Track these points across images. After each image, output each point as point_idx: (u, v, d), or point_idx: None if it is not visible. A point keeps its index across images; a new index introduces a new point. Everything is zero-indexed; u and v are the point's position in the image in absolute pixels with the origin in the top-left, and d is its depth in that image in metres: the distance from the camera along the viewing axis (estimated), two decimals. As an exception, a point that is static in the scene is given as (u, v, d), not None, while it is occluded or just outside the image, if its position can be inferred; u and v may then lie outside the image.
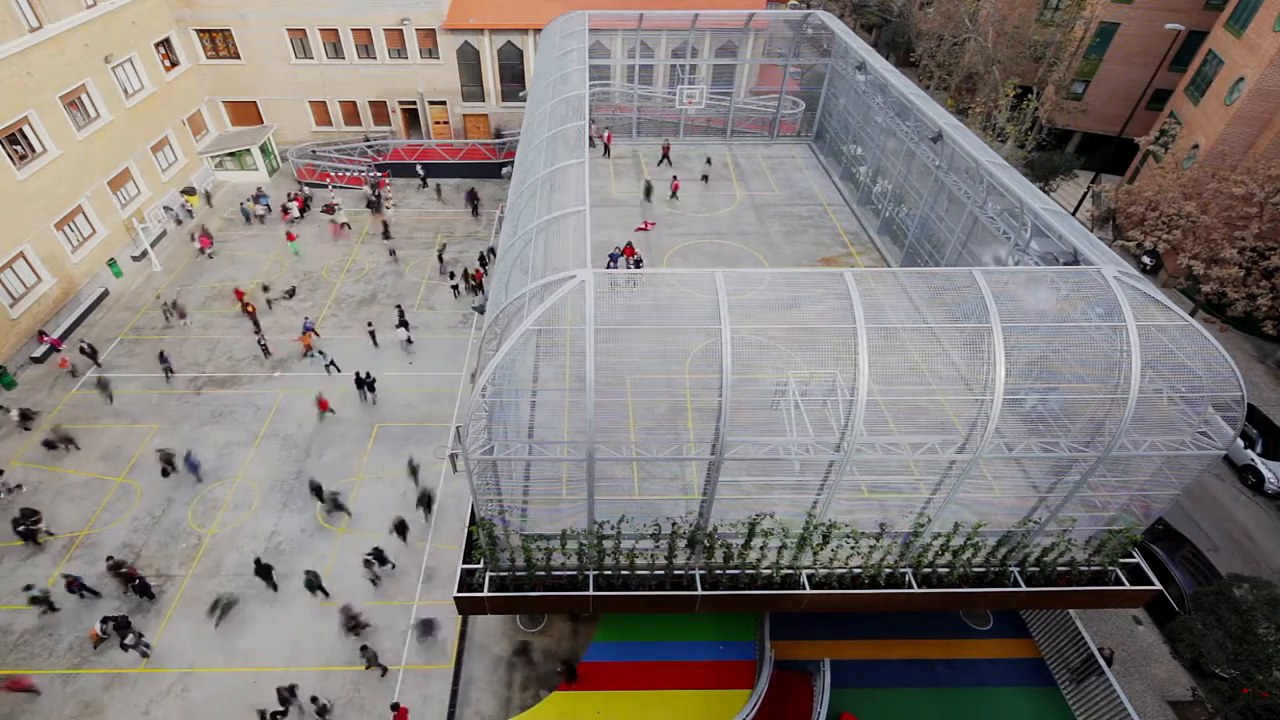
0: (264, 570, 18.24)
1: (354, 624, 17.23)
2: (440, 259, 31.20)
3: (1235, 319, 27.91)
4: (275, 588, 18.50)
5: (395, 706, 15.61)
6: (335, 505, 20.26)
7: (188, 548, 19.50)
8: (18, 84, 26.16)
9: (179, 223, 34.36)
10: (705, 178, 29.20)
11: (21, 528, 19.05)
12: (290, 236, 32.56)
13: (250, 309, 26.74)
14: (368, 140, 40.16)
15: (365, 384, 24.03)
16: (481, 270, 30.46)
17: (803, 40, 31.61)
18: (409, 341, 26.67)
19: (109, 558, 18.57)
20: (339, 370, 25.32)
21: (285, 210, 34.44)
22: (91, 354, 25.19)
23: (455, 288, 29.58)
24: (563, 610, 17.55)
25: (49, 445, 21.85)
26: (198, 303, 28.99)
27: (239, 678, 16.60)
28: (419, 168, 38.20)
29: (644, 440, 12.68)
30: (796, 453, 11.78)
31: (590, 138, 31.31)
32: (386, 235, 33.19)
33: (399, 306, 27.71)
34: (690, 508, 13.65)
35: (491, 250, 31.63)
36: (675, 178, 28.48)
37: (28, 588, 17.73)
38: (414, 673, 16.98)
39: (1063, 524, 13.31)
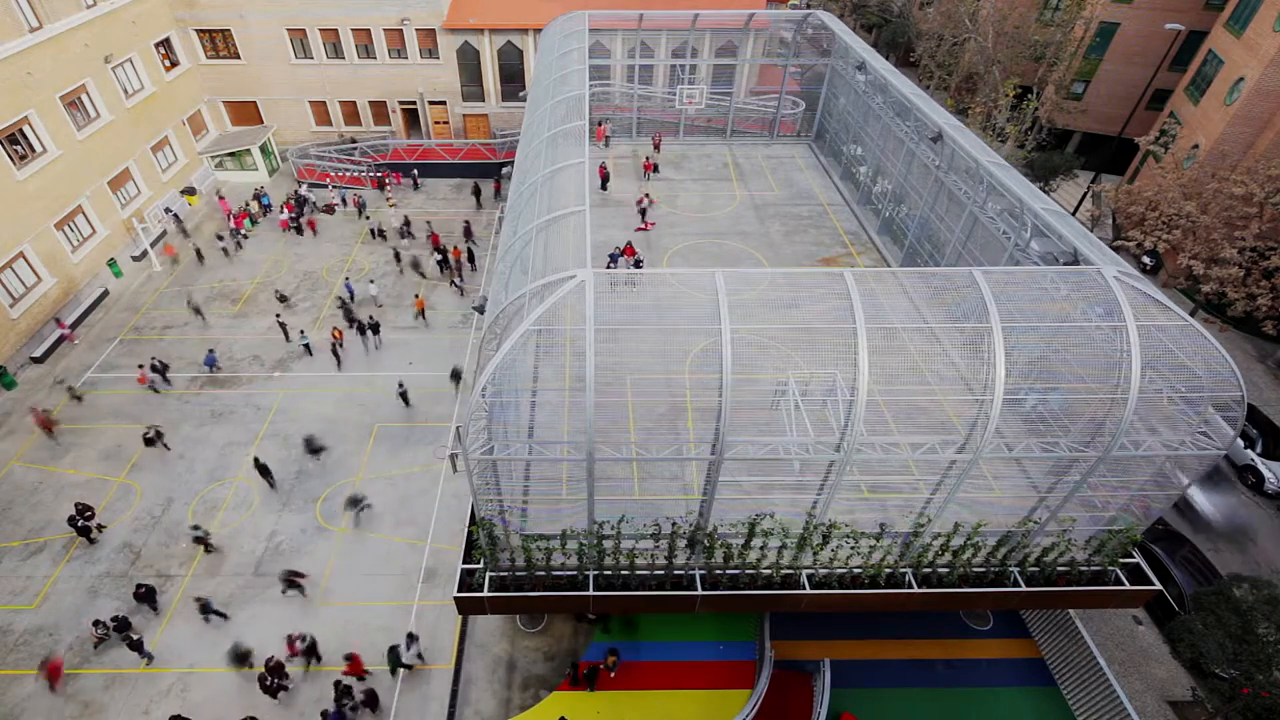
0: (263, 469, 20.54)
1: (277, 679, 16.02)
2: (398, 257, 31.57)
3: (1235, 319, 27.90)
4: (274, 487, 20.98)
5: (349, 657, 16.30)
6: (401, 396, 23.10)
7: (188, 547, 19.49)
8: (18, 84, 26.15)
9: (178, 223, 34.37)
10: (656, 167, 30.27)
11: (79, 523, 19.06)
12: (243, 214, 34.13)
13: (337, 334, 26.02)
14: (354, 141, 39.76)
15: (370, 328, 26.27)
16: (459, 248, 31.13)
17: (803, 40, 31.64)
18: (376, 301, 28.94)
19: (287, 572, 18.31)
20: (311, 354, 26.07)
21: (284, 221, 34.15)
22: (162, 370, 24.39)
23: (440, 263, 31.10)
24: (563, 610, 17.55)
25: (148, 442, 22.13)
26: (198, 302, 28.95)
27: (239, 677, 16.59)
28: (415, 170, 38.32)
29: (644, 440, 12.69)
30: (796, 453, 11.78)
31: (606, 139, 31.70)
32: (297, 228, 33.87)
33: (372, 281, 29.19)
34: (690, 508, 13.66)
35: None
36: (648, 159, 30.26)
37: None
38: (414, 673, 16.98)
39: (1063, 524, 13.32)
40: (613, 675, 16.46)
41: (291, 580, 18.12)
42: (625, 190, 28.57)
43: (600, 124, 32.26)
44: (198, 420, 23.38)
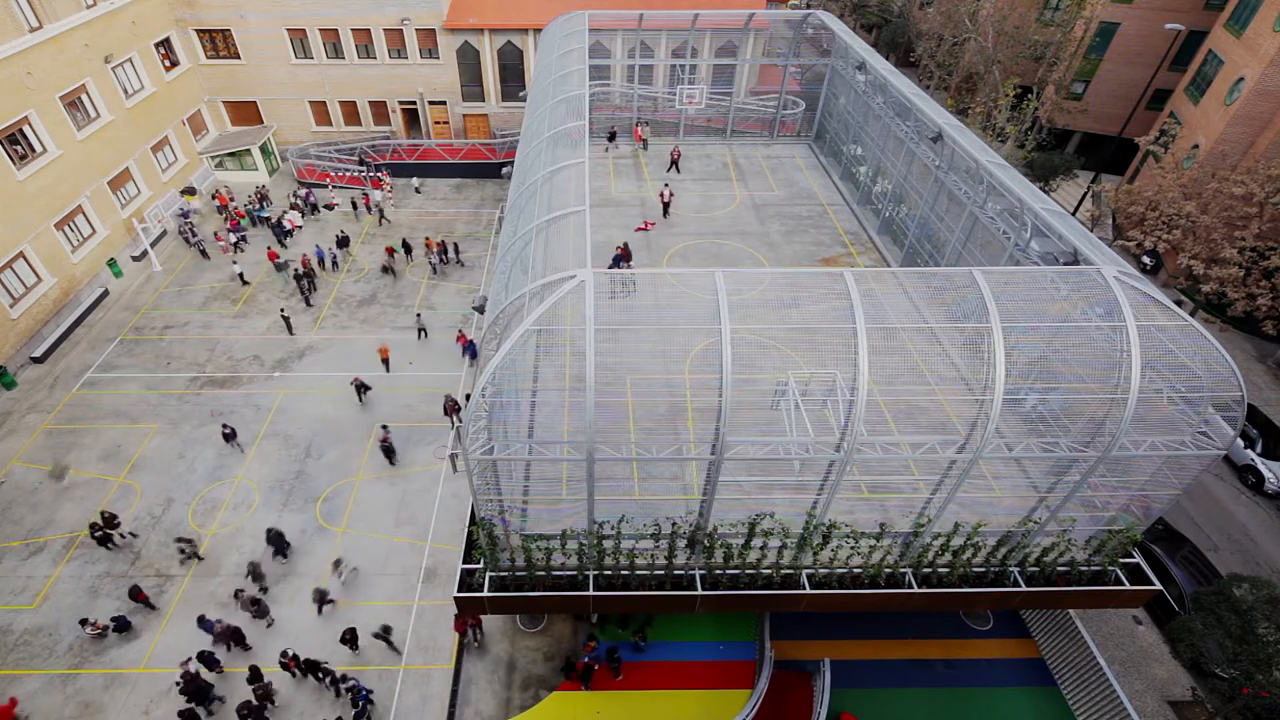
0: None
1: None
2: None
3: (1235, 319, 27.91)
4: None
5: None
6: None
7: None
8: (18, 84, 26.15)
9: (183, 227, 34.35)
10: (643, 143, 31.66)
11: (99, 532, 18.93)
12: (240, 213, 34.12)
13: (384, 352, 25.56)
14: (296, 157, 38.95)
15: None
16: (431, 238, 31.86)
17: (803, 40, 31.60)
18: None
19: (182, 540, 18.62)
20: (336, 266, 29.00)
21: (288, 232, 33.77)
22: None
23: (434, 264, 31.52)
24: (563, 610, 17.55)
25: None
26: (198, 303, 29.02)
27: (239, 677, 16.57)
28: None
29: (644, 440, 12.68)
30: (796, 453, 11.78)
31: (644, 141, 31.56)
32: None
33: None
34: (690, 508, 13.65)
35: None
36: (638, 127, 31.89)
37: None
38: (414, 673, 16.99)
39: (1063, 524, 13.31)
40: (595, 667, 16.49)
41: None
42: (625, 190, 28.56)
43: (640, 124, 32.45)
44: (198, 420, 23.38)
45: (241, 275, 30.08)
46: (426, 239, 31.91)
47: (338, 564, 18.65)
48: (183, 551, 18.92)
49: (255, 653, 17.09)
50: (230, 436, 21.67)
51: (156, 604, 18.11)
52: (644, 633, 17.31)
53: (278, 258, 30.92)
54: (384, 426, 22.10)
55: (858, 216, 26.43)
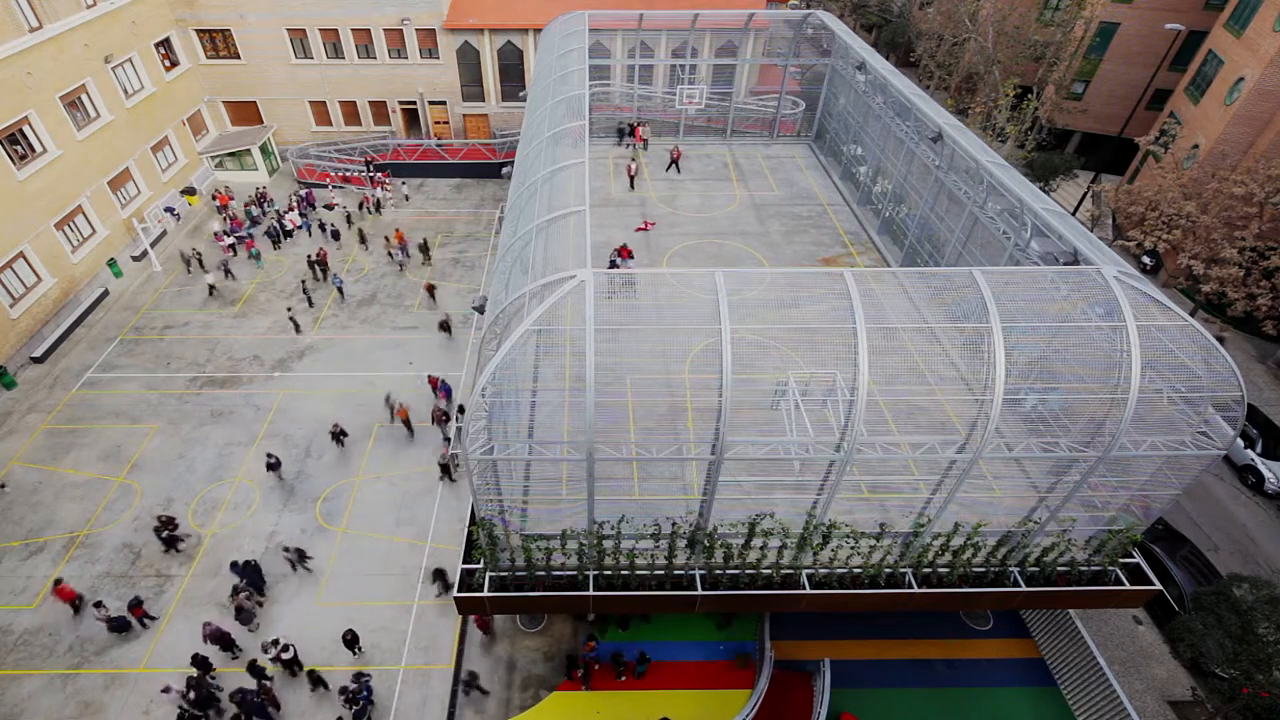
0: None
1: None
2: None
3: (1235, 319, 27.91)
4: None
5: (57, 582, 17.49)
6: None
7: (188, 548, 19.49)
8: (18, 84, 26.15)
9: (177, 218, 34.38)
10: (643, 143, 31.62)
11: (165, 534, 18.95)
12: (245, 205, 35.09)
13: (403, 414, 23.02)
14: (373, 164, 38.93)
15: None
16: (401, 232, 32.35)
17: (803, 40, 31.59)
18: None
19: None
20: (342, 296, 29.02)
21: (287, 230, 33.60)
22: None
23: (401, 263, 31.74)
24: (563, 610, 17.55)
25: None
26: (198, 303, 29.01)
27: (239, 678, 16.57)
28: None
29: (644, 440, 12.68)
30: (796, 453, 11.78)
31: (645, 141, 31.50)
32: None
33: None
34: (690, 508, 13.66)
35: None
36: (637, 125, 31.99)
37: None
38: (414, 672, 16.99)
39: (1063, 524, 13.32)
40: (597, 667, 16.54)
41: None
42: (625, 190, 28.57)
43: (639, 125, 32.25)
44: (198, 420, 23.38)
45: (212, 287, 29.28)
46: (397, 232, 32.09)
47: (276, 642, 17.17)
48: (290, 564, 18.74)
49: (251, 655, 17.07)
50: (274, 466, 20.94)
51: (155, 605, 18.09)
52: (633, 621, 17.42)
53: (253, 244, 31.62)
54: (446, 440, 21.82)
55: (858, 216, 26.43)
